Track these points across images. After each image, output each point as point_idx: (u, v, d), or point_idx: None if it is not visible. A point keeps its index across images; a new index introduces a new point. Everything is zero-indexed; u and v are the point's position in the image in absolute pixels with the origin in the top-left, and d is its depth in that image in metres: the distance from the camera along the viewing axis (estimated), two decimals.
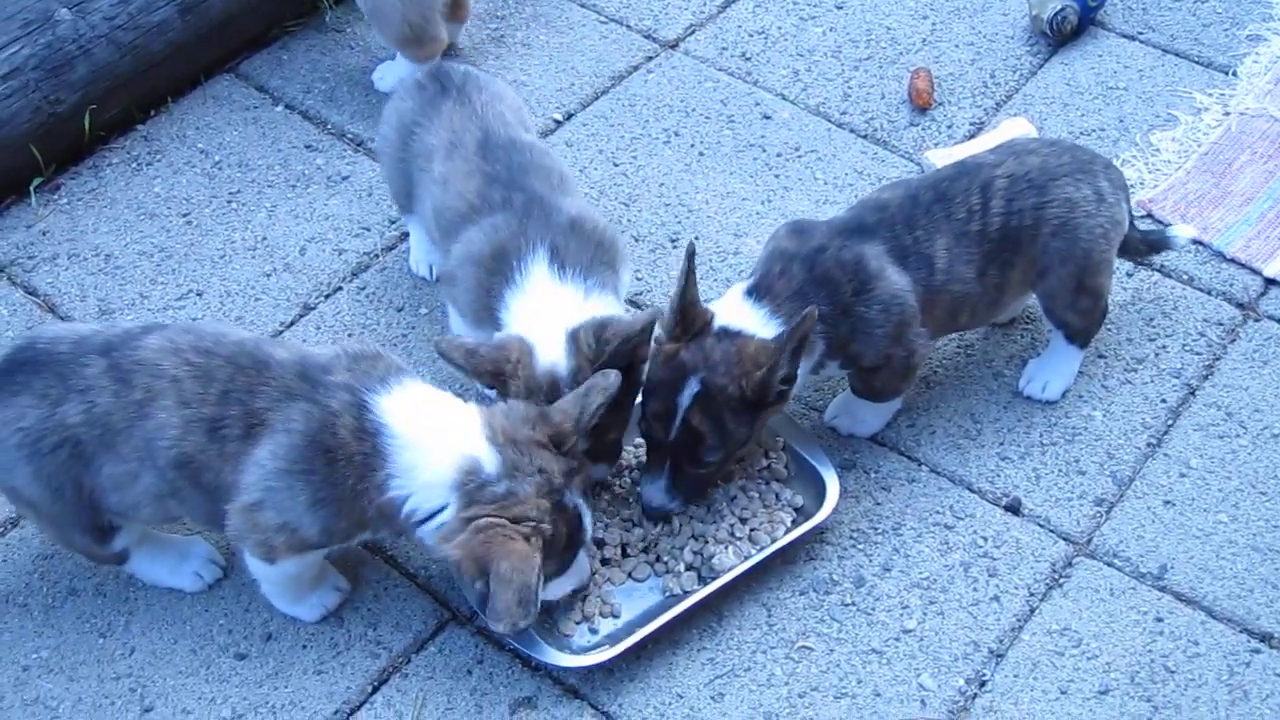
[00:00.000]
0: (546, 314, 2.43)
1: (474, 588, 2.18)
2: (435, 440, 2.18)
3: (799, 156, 3.27)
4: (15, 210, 3.22)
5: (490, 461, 2.17)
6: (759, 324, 2.40)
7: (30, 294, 3.03)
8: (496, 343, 2.40)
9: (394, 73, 3.46)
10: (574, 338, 2.39)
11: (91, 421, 2.21)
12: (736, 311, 2.42)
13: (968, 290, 2.55)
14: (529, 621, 2.14)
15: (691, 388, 2.35)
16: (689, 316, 2.38)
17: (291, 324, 2.94)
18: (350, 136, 3.35)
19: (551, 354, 2.38)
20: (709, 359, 2.35)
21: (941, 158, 3.14)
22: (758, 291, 2.44)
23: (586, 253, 2.52)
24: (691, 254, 2.36)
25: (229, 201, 3.20)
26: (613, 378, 2.29)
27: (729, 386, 2.34)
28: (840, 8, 3.65)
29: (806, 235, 2.50)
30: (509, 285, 2.49)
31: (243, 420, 2.17)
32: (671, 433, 2.39)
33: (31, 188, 3.23)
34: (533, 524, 2.15)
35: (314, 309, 2.97)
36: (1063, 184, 2.58)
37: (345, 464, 2.16)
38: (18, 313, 2.98)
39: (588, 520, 2.27)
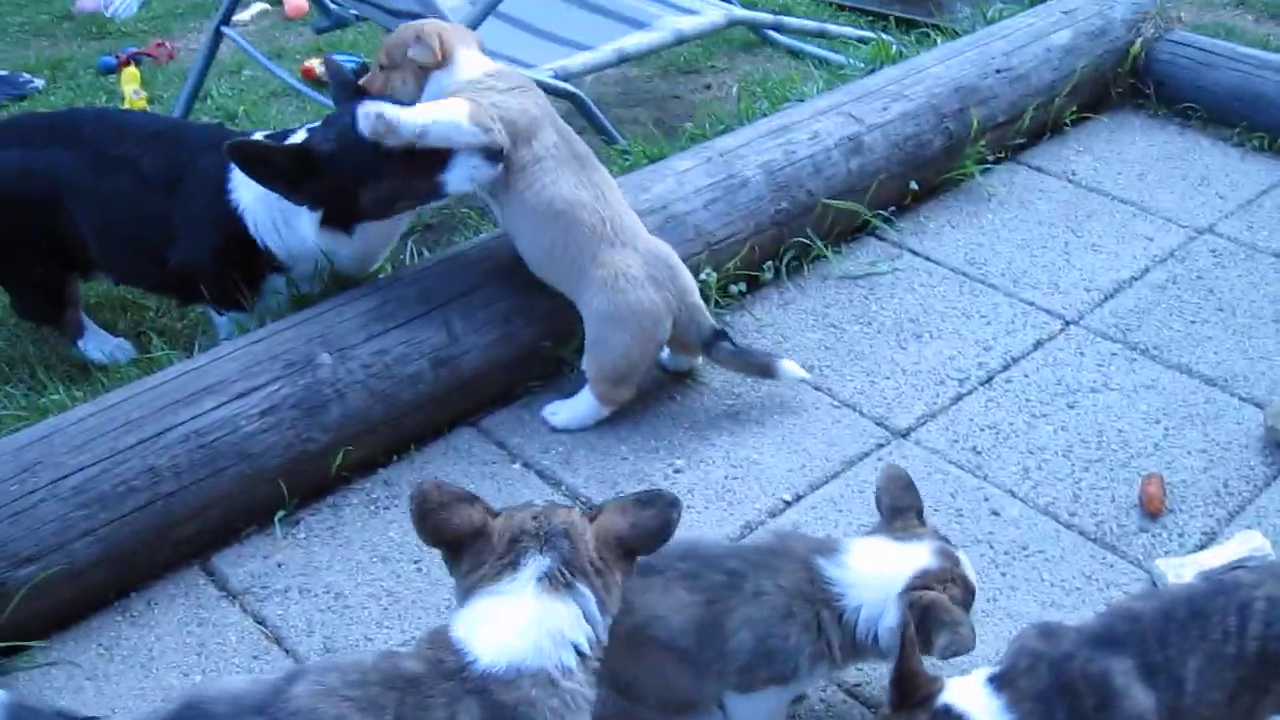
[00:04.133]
0: None
1: None
2: None
3: (1026, 556, 3.24)
4: (255, 539, 3.34)
5: None
6: (989, 714, 2.36)
7: (259, 623, 3.11)
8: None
9: (571, 410, 3.61)
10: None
11: None
12: (970, 694, 2.39)
13: (1215, 714, 2.46)
14: None
15: None
16: (907, 687, 2.37)
17: None
18: (583, 500, 3.41)
19: None
20: None
21: (1172, 567, 3.10)
22: (1000, 681, 2.42)
23: None
24: (908, 626, 2.38)
25: None
26: None
27: None
28: (1072, 407, 3.67)
29: (1055, 639, 2.47)
30: None
31: None
32: None
33: (276, 519, 3.36)
34: None
35: None
36: None
37: None
38: (244, 640, 3.06)
39: None
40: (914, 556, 2.62)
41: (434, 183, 3.47)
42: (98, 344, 4.31)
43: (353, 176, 3.49)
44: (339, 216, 3.59)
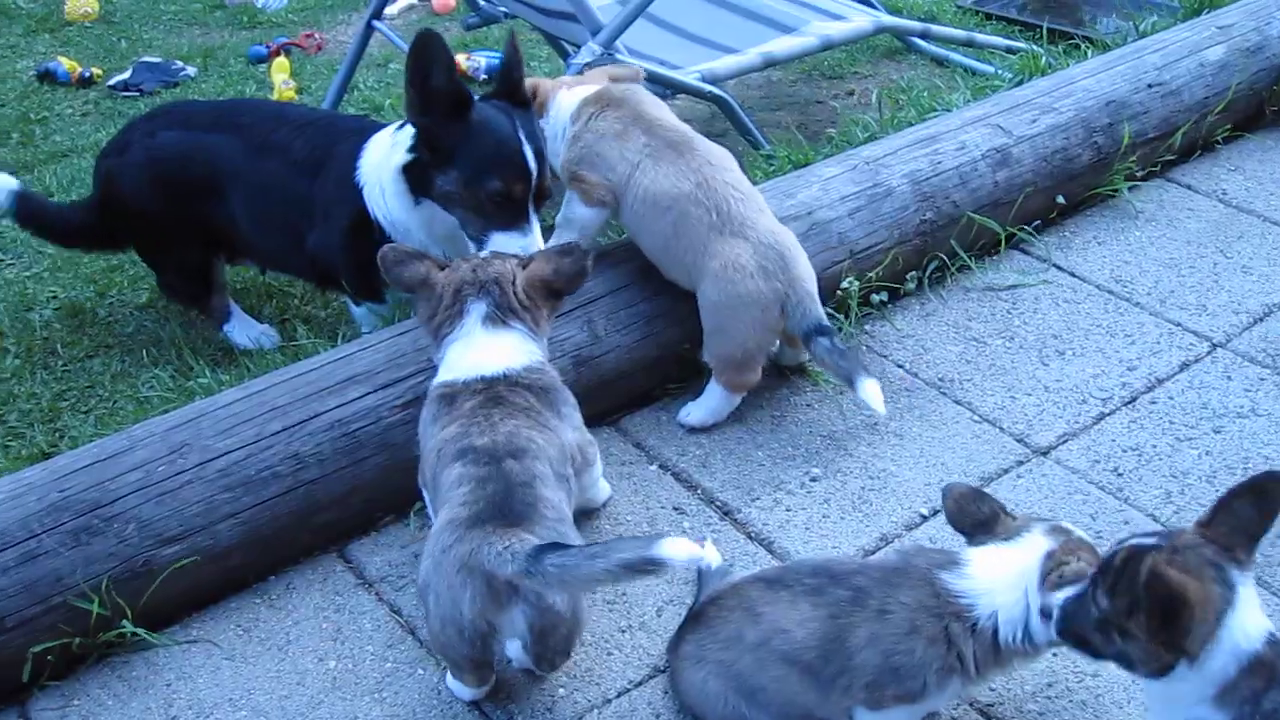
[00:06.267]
0: None
1: None
2: None
3: None
4: (393, 529, 3.39)
5: None
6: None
7: (394, 612, 3.15)
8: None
9: (703, 406, 3.64)
10: None
11: None
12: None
13: None
14: None
15: None
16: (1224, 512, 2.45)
17: (639, 683, 2.96)
18: (719, 504, 3.41)
19: None
20: None
21: None
22: None
23: None
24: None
25: None
26: None
27: None
28: (1218, 432, 3.60)
29: None
30: None
31: None
32: None
33: (413, 511, 3.40)
34: None
35: (662, 672, 2.98)
36: None
37: None
38: (380, 629, 3.11)
39: None
40: (1032, 546, 2.59)
41: (481, 229, 3.53)
42: (244, 329, 4.40)
43: (451, 155, 3.51)
44: (418, 173, 3.60)
